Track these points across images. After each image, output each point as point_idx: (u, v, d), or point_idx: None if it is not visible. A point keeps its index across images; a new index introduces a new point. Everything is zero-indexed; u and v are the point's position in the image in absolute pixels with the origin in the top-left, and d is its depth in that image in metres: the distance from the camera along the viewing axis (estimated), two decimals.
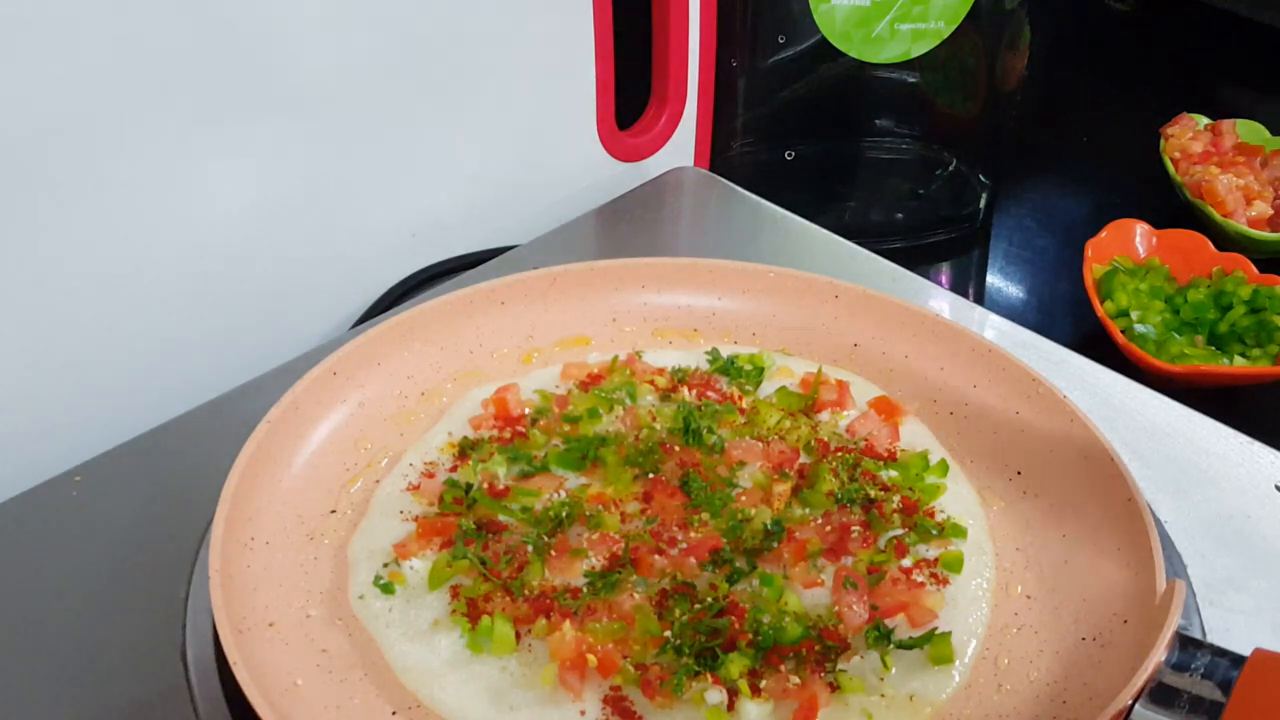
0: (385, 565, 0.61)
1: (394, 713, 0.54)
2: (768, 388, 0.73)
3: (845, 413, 0.71)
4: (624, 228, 0.94)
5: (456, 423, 0.70)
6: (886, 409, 0.71)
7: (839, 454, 0.67)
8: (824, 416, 0.71)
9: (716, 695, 0.54)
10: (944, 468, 0.67)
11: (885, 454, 0.68)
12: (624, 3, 0.93)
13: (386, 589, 0.60)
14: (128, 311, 0.74)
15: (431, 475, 0.66)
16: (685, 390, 0.72)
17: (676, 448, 0.67)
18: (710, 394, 0.71)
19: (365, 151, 0.84)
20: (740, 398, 0.71)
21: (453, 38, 0.85)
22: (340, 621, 0.58)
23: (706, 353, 0.75)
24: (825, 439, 0.68)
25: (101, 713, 0.56)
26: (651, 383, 0.72)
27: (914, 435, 0.70)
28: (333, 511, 0.64)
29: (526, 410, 0.71)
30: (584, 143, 0.97)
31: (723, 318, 0.78)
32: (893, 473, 0.66)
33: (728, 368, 0.74)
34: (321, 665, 0.56)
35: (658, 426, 0.68)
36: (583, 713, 0.54)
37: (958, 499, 0.66)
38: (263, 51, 0.74)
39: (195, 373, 0.77)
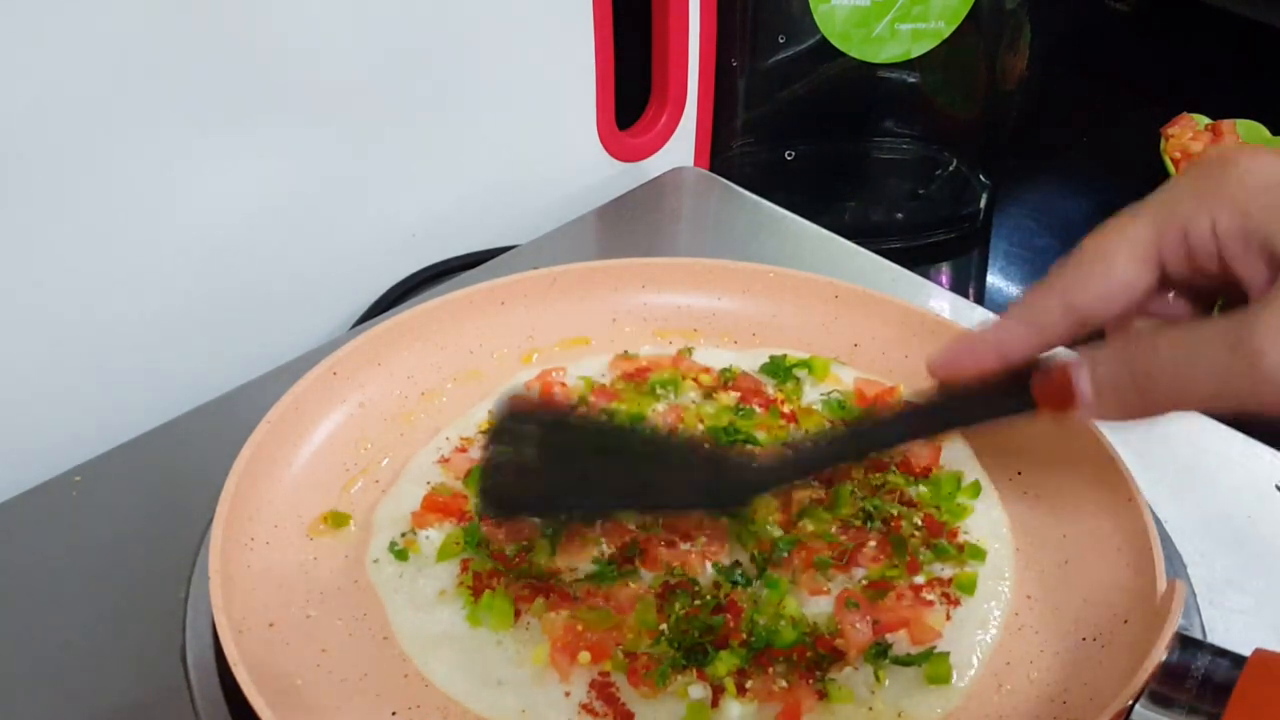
0: (403, 534, 0.62)
1: (394, 713, 0.54)
2: (812, 394, 0.73)
3: None
4: (624, 228, 0.94)
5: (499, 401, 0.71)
6: None
7: (866, 463, 0.66)
8: None
9: (699, 691, 0.54)
10: (976, 489, 0.66)
11: (919, 470, 0.67)
12: (624, 3, 0.93)
13: (401, 555, 0.61)
14: (127, 311, 0.74)
15: (464, 450, 0.67)
16: (726, 392, 0.71)
17: (707, 445, 0.66)
18: (755, 398, 0.71)
19: (365, 152, 0.84)
20: (783, 401, 0.71)
21: (453, 38, 0.85)
22: (340, 622, 0.58)
23: (767, 362, 0.74)
24: None
25: (101, 713, 0.56)
26: (696, 380, 0.72)
27: (954, 454, 0.69)
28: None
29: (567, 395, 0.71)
30: (584, 143, 0.97)
31: (723, 318, 0.78)
32: (922, 489, 0.66)
33: (779, 370, 0.73)
34: (321, 665, 0.56)
35: (701, 425, 0.68)
36: (568, 694, 0.54)
37: (987, 521, 0.65)
38: (263, 53, 0.74)
39: (195, 373, 0.77)
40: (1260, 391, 0.40)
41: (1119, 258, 0.46)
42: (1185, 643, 0.51)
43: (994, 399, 0.52)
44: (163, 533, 0.64)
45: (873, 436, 0.57)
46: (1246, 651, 0.49)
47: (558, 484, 0.56)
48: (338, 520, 0.63)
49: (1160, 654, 0.50)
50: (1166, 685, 0.49)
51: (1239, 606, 0.62)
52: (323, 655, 0.56)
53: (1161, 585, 0.55)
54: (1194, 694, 0.49)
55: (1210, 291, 0.45)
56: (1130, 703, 0.49)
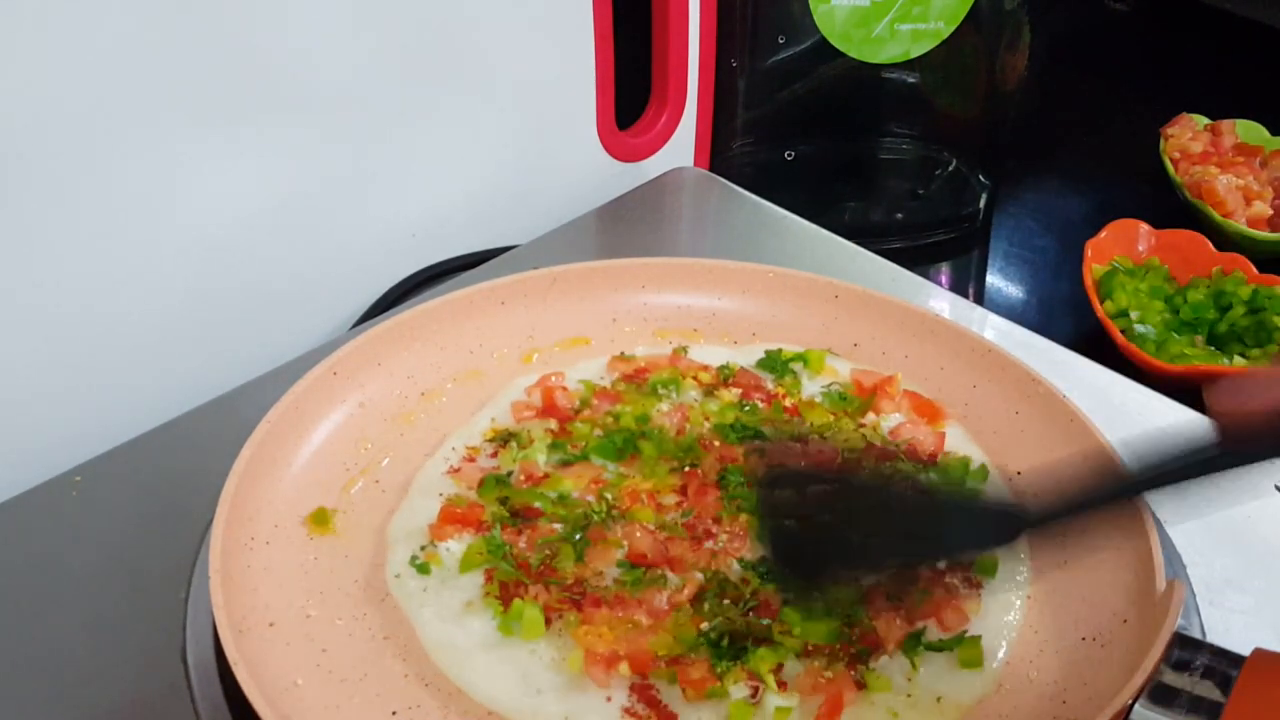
0: (422, 547, 0.62)
1: (394, 713, 0.54)
2: (810, 387, 0.73)
3: (891, 416, 0.70)
4: (624, 228, 0.94)
5: (500, 408, 0.71)
6: (930, 411, 0.71)
7: (874, 453, 0.67)
8: (868, 418, 0.71)
9: (741, 689, 0.54)
10: (983, 472, 0.67)
11: (926, 457, 0.67)
12: (624, 3, 0.93)
13: (423, 569, 0.61)
14: (128, 311, 0.74)
15: (472, 459, 0.67)
16: (727, 389, 0.72)
17: (716, 443, 0.67)
18: (757, 393, 0.71)
19: (365, 152, 0.84)
20: (784, 396, 0.71)
21: (452, 38, 0.85)
22: (340, 622, 0.58)
23: (763, 357, 0.74)
24: (870, 440, 0.68)
25: (101, 713, 0.56)
26: (695, 378, 0.72)
27: (955, 440, 0.69)
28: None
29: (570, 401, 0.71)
30: (584, 143, 0.97)
31: (723, 318, 0.78)
32: (931, 475, 0.66)
33: (775, 365, 0.74)
34: (321, 665, 0.56)
35: (707, 424, 0.69)
36: (609, 699, 0.54)
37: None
38: (263, 52, 0.74)
39: (195, 373, 0.77)
40: None
41: None
42: (1185, 642, 0.51)
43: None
44: (163, 533, 0.64)
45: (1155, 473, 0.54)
46: (1246, 651, 0.49)
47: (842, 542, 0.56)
48: (325, 518, 0.63)
49: (1159, 653, 0.50)
50: (1166, 685, 0.50)
51: (1238, 606, 0.62)
52: (323, 655, 0.56)
53: (1161, 585, 0.55)
54: (1193, 693, 0.49)
55: None
56: (1130, 702, 0.49)
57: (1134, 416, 0.74)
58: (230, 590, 0.55)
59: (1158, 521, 0.62)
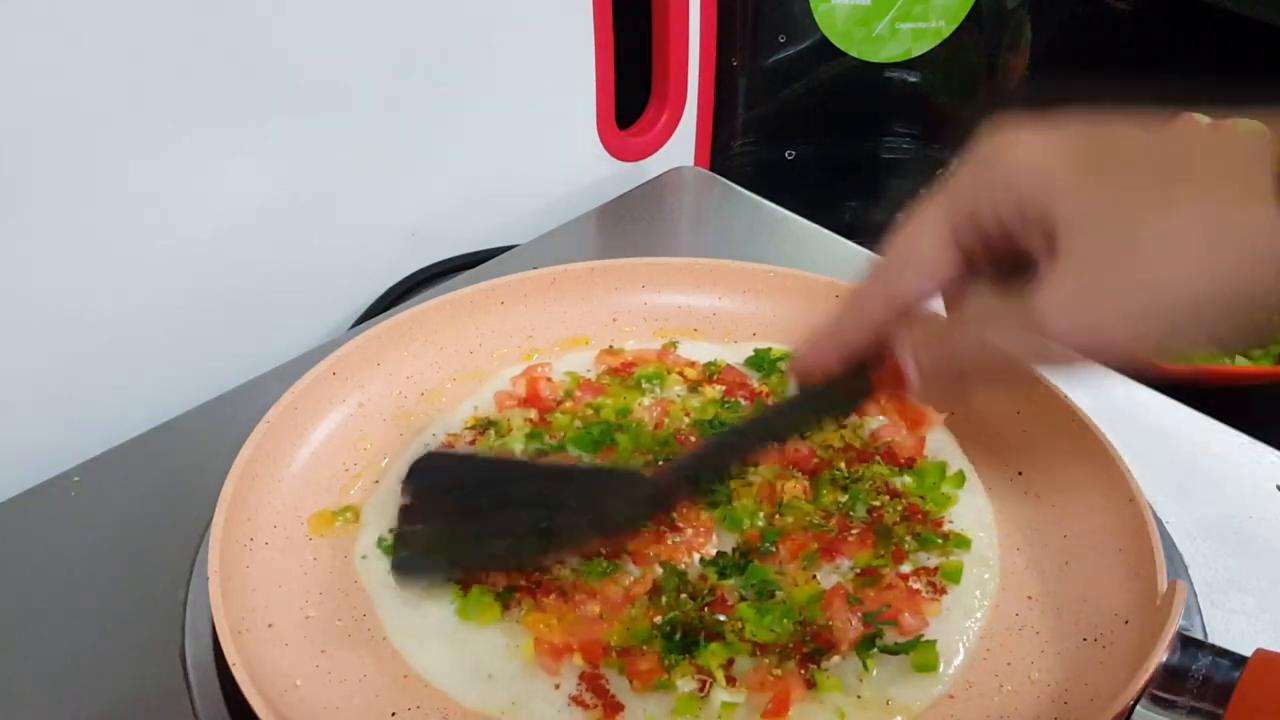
0: (390, 530, 0.62)
1: (393, 714, 0.54)
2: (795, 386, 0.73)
3: (875, 418, 0.70)
4: (624, 228, 0.94)
5: (484, 398, 0.71)
6: (914, 417, 0.70)
7: (851, 454, 0.67)
8: (850, 419, 0.70)
9: (689, 683, 0.54)
10: (960, 479, 0.67)
11: (904, 460, 0.67)
12: (624, 3, 0.93)
13: (389, 551, 0.61)
14: (127, 312, 0.74)
15: (451, 446, 0.67)
16: (711, 386, 0.72)
17: (693, 438, 0.67)
18: (740, 391, 0.71)
19: (365, 151, 0.84)
20: (768, 394, 0.71)
21: (453, 37, 0.85)
22: (340, 622, 0.58)
23: (751, 355, 0.74)
24: (851, 441, 0.68)
25: (101, 713, 0.56)
26: (681, 374, 0.72)
27: (938, 444, 0.69)
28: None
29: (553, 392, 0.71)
30: (584, 142, 0.97)
31: (723, 318, 0.78)
32: (907, 479, 0.66)
33: (763, 363, 0.73)
34: (321, 666, 0.56)
35: (687, 419, 0.69)
36: (557, 686, 0.55)
37: (971, 510, 0.65)
38: (263, 52, 0.74)
39: (195, 373, 0.77)
40: (1052, 353, 0.45)
41: (923, 249, 0.50)
42: (1186, 643, 0.51)
43: (842, 390, 0.57)
44: (163, 533, 0.64)
45: (747, 438, 0.61)
46: (1247, 652, 0.49)
47: (467, 537, 0.59)
48: (347, 514, 0.63)
49: (1161, 654, 0.50)
50: (1168, 686, 0.49)
51: (1240, 607, 0.62)
52: (322, 656, 0.56)
53: (1162, 585, 0.55)
54: (1195, 694, 0.49)
55: (1014, 263, 0.48)
56: (1131, 703, 0.49)
57: (1134, 416, 0.74)
58: (229, 591, 0.55)
59: (1159, 521, 0.62)
